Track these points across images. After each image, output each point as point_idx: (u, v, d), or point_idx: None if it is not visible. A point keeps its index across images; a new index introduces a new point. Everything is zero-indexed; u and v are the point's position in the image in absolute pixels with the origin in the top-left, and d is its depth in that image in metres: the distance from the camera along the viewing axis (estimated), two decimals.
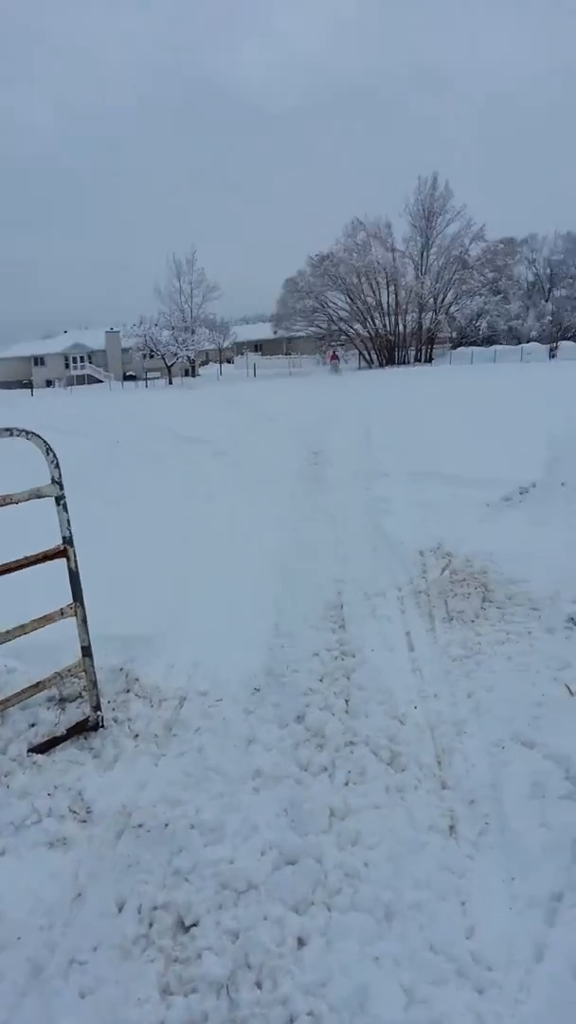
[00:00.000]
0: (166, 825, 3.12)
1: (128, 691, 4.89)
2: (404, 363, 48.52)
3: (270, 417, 19.34)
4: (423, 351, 50.13)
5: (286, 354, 58.93)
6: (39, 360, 58.56)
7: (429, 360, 49.86)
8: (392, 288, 47.95)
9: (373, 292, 48.15)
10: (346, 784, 3.14)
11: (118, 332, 53.29)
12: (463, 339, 54.51)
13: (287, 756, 3.39)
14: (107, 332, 57.45)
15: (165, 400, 30.79)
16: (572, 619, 4.90)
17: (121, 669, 5.06)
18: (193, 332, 49.02)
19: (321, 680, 4.26)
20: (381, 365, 48.59)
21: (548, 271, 56.38)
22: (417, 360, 49.48)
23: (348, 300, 48.66)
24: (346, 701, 3.90)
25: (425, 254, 48.82)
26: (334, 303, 49.26)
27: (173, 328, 48.07)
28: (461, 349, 51.30)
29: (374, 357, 49.83)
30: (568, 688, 3.70)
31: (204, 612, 5.85)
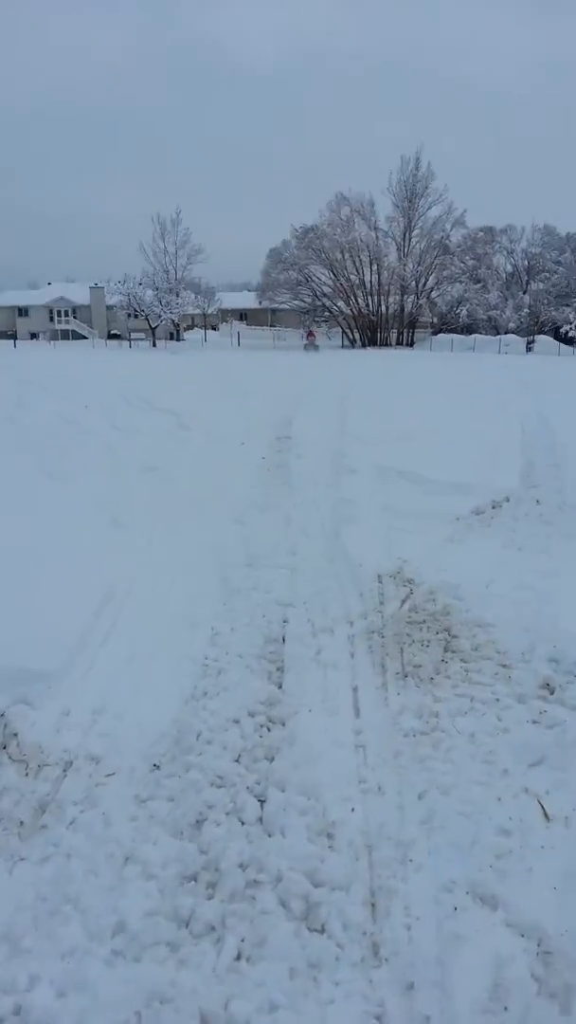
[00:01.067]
0: None
1: (4, 748, 3.98)
2: (386, 345, 47.41)
3: (247, 392, 18.19)
4: (404, 334, 49.06)
5: (271, 325, 57.31)
6: (23, 311, 55.53)
7: (410, 344, 48.90)
8: (375, 267, 46.55)
9: (357, 270, 46.73)
10: (237, 960, 2.27)
11: (103, 288, 51.06)
12: (444, 325, 53.52)
13: (166, 898, 2.52)
14: (91, 287, 54.99)
15: (147, 363, 29.13)
16: (547, 685, 4.10)
17: (2, 715, 4.16)
18: (177, 294, 47.28)
19: (238, 760, 3.40)
20: (364, 345, 47.45)
21: (526, 263, 55.42)
22: (398, 343, 48.43)
23: (332, 276, 47.17)
24: (261, 804, 3.03)
25: (407, 235, 47.41)
26: (318, 278, 47.76)
27: (157, 289, 46.28)
28: (441, 336, 50.36)
29: (357, 337, 48.62)
30: (543, 808, 2.88)
31: (124, 634, 4.96)
